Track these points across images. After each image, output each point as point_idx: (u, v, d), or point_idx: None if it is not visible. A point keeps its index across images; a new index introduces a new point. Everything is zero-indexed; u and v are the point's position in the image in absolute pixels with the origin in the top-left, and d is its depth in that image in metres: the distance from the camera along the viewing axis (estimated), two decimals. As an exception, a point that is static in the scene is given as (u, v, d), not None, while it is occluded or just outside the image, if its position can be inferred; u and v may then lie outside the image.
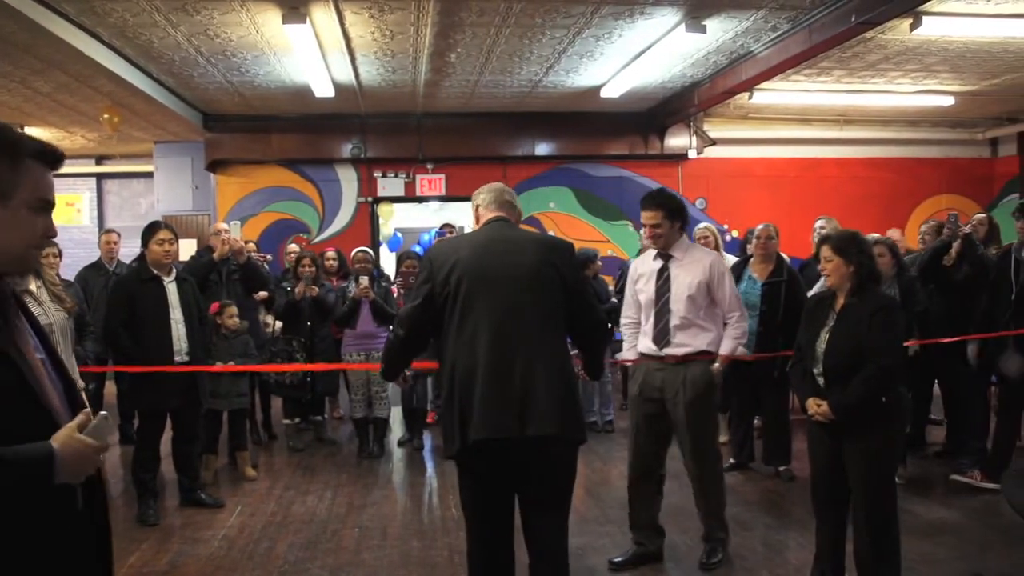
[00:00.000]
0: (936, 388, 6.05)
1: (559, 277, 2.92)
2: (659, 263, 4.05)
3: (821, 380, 3.40)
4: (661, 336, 3.98)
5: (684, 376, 3.93)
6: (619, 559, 4.11)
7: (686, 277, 3.96)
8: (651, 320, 4.04)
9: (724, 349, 4.00)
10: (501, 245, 2.96)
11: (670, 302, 3.97)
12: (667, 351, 3.97)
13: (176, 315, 4.92)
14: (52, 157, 1.59)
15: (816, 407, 3.37)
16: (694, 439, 3.96)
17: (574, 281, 2.99)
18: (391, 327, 2.76)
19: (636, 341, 4.18)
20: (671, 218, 3.96)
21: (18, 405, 1.49)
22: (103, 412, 1.57)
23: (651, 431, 4.04)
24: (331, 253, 7.28)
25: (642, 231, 4.08)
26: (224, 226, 6.34)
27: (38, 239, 1.57)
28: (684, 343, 3.94)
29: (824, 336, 3.40)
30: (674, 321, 3.95)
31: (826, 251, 3.41)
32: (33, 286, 3.08)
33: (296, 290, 6.37)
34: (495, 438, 2.77)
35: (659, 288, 4.01)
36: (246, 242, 7.06)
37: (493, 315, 2.83)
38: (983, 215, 5.87)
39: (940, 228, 5.82)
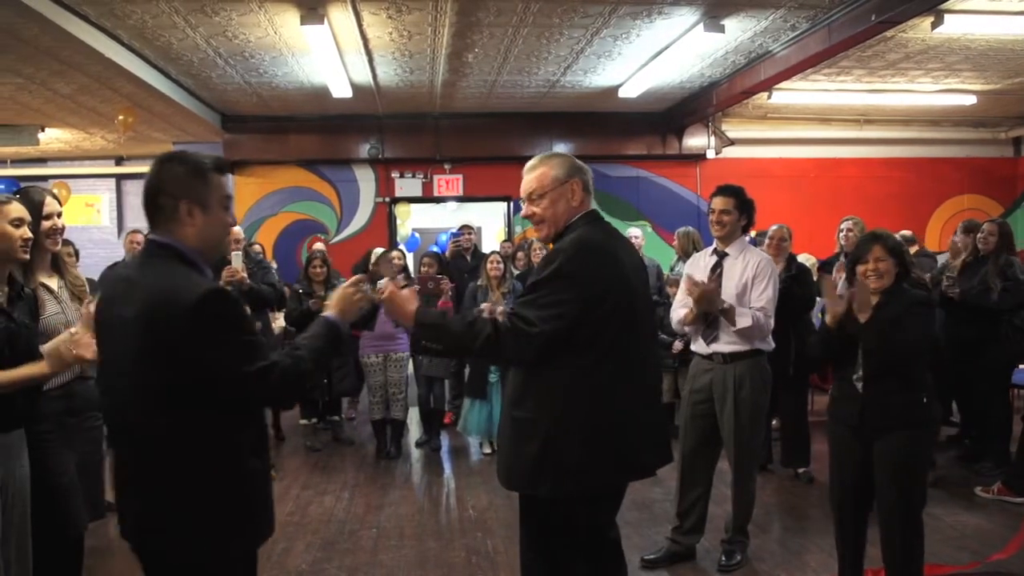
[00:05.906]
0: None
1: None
2: (713, 259, 4.05)
3: (859, 385, 3.31)
4: (710, 332, 3.98)
5: (733, 374, 3.91)
6: (651, 556, 4.11)
7: (736, 275, 3.94)
8: (702, 316, 4.02)
9: (739, 314, 3.85)
10: (632, 249, 2.81)
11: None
12: (714, 347, 3.96)
13: None
14: (224, 167, 2.08)
15: None
16: (738, 437, 3.93)
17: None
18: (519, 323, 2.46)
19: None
20: (740, 209, 3.97)
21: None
22: (379, 249, 1.85)
23: (697, 432, 4.02)
24: (317, 262, 6.76)
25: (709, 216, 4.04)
26: (238, 230, 6.30)
27: (229, 228, 2.07)
28: (732, 341, 3.92)
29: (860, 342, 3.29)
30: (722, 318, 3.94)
31: (879, 251, 3.29)
32: (55, 284, 3.10)
33: (311, 303, 6.28)
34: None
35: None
36: (251, 243, 7.07)
37: (646, 329, 2.74)
38: (992, 224, 5.50)
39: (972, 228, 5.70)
